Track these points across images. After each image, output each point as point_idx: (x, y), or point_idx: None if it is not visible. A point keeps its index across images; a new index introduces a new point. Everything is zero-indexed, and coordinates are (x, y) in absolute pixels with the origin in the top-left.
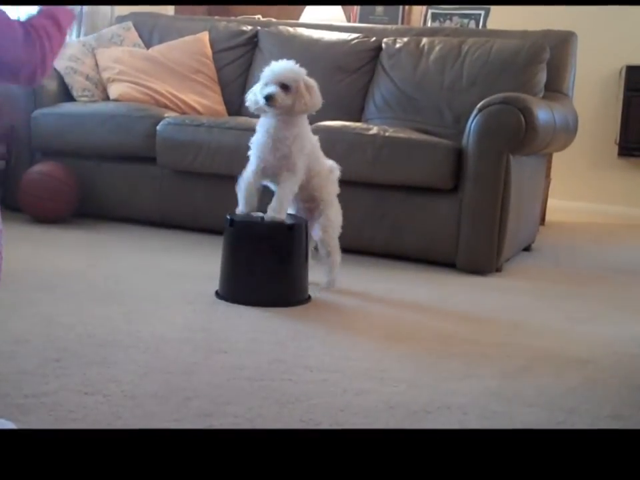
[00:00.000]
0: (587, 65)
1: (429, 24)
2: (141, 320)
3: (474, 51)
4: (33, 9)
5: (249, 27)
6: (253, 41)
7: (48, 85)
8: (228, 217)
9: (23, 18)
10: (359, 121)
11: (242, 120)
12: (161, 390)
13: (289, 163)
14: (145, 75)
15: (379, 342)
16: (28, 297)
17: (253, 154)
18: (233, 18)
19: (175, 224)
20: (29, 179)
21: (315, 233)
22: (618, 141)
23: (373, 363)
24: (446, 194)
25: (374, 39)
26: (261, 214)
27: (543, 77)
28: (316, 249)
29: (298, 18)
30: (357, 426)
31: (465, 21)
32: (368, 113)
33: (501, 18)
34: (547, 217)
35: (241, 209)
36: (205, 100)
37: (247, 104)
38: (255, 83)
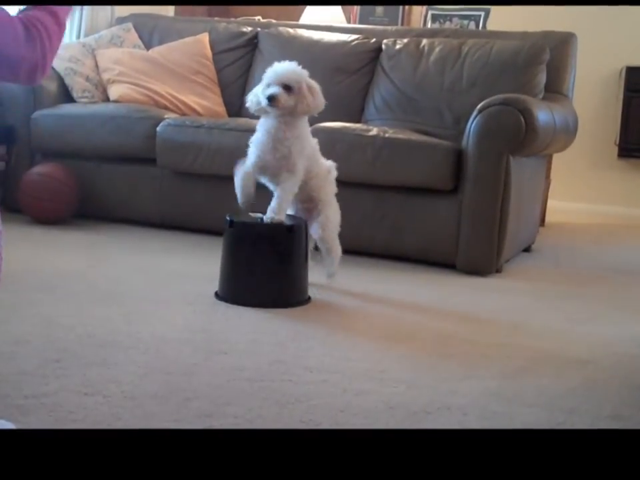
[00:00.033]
0: (587, 66)
1: (428, 25)
2: (141, 321)
3: (474, 52)
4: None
5: (249, 28)
6: (252, 42)
7: (48, 86)
8: (228, 218)
9: (19, 9)
10: (358, 122)
11: (242, 121)
12: (161, 390)
13: (288, 163)
14: (144, 76)
15: (379, 342)
16: (28, 298)
17: (251, 151)
18: (232, 19)
19: (174, 225)
20: (28, 179)
21: (314, 231)
22: (618, 142)
23: (373, 364)
24: (446, 195)
25: (374, 40)
26: (260, 215)
27: (542, 77)
28: (315, 248)
29: (298, 19)
30: (357, 426)
31: (465, 22)
32: (368, 114)
33: (500, 19)
34: (547, 218)
35: (238, 198)
36: (205, 101)
37: (248, 105)
38: (256, 84)
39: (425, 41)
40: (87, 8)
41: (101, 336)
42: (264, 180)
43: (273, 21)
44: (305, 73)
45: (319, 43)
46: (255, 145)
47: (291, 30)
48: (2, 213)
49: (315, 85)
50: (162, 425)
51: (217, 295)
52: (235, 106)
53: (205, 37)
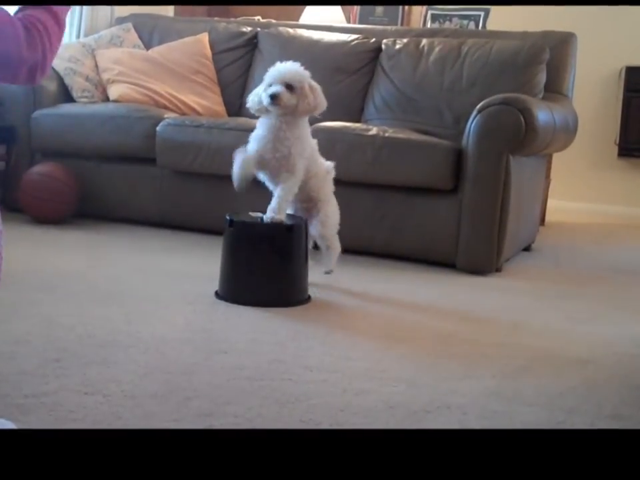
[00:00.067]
0: (587, 66)
1: (428, 25)
2: (141, 320)
3: (474, 51)
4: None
5: (249, 28)
6: (252, 42)
7: (47, 85)
8: (227, 218)
9: (18, 9)
10: (358, 121)
11: (242, 121)
12: (161, 390)
13: (288, 163)
14: (144, 76)
15: (379, 342)
16: (28, 298)
17: (251, 146)
18: (232, 19)
19: (174, 224)
20: (29, 179)
21: (314, 228)
22: (618, 142)
23: (373, 363)
24: (446, 194)
25: (374, 39)
26: (260, 214)
27: (542, 77)
28: (315, 247)
29: (298, 19)
30: (357, 426)
31: (465, 21)
32: (368, 113)
33: (500, 19)
34: (547, 218)
35: (234, 182)
36: (205, 101)
37: (248, 105)
38: (255, 84)
39: (424, 41)
40: (86, 8)
41: (101, 335)
42: (263, 177)
43: (273, 20)
44: (307, 73)
45: (319, 43)
46: (255, 140)
47: (290, 30)
48: (2, 212)
49: (316, 85)
50: (162, 424)
51: (216, 294)
52: (235, 106)
53: (204, 37)
